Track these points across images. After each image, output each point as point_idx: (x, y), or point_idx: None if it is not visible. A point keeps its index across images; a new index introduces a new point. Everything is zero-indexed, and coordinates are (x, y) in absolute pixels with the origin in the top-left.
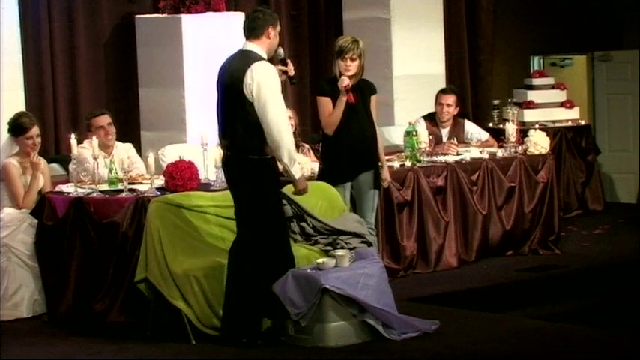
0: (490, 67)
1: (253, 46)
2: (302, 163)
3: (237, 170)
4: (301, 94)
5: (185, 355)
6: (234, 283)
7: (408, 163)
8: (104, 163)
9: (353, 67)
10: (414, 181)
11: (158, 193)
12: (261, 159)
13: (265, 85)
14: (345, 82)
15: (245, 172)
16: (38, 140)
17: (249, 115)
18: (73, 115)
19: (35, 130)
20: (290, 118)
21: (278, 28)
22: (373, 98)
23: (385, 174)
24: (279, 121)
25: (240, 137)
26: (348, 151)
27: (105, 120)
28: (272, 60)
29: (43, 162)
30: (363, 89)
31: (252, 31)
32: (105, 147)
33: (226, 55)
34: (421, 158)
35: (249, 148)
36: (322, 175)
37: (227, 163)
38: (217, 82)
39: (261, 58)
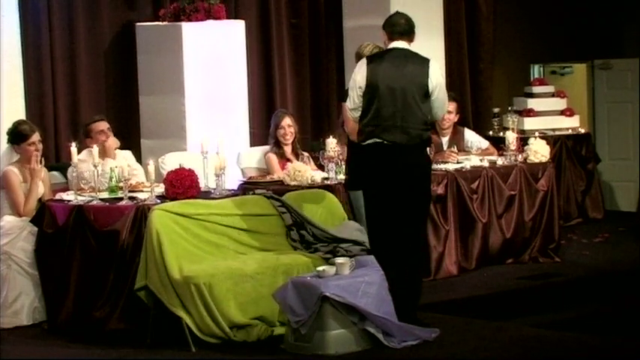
0: (490, 75)
1: (409, 46)
2: (301, 172)
3: (416, 156)
4: (302, 102)
5: None
6: (409, 267)
7: None
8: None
9: None
10: None
11: (158, 200)
12: (429, 142)
13: (442, 79)
14: None
15: (422, 161)
16: (40, 146)
17: (426, 107)
18: (73, 123)
19: (36, 136)
20: (289, 126)
21: None
22: None
23: None
24: (447, 105)
25: (419, 128)
26: None
27: (104, 125)
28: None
29: (43, 170)
30: None
31: (410, 33)
32: (107, 150)
33: (226, 62)
34: None
35: (427, 138)
36: (347, 181)
37: (401, 153)
38: (380, 79)
39: None
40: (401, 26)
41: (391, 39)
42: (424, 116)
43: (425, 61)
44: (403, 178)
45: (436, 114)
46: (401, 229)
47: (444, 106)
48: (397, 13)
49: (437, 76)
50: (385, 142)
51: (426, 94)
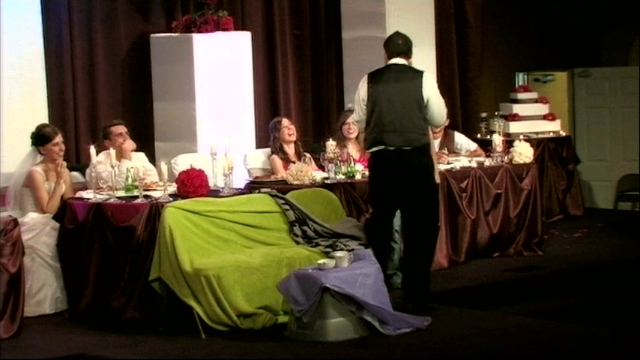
0: (478, 83)
1: (406, 62)
2: (303, 172)
3: (418, 160)
4: (304, 107)
5: (195, 349)
6: (418, 257)
7: None
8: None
9: None
10: None
11: (171, 198)
12: (428, 147)
13: (436, 88)
14: None
15: (424, 161)
16: (63, 146)
17: (422, 115)
18: (92, 126)
19: (59, 137)
20: (290, 124)
21: None
22: None
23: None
24: (444, 112)
25: (417, 132)
26: None
27: (123, 128)
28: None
29: (65, 171)
30: None
31: (407, 51)
32: (124, 152)
33: (234, 71)
34: None
35: (426, 142)
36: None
37: (401, 156)
38: (380, 91)
39: None
40: (399, 47)
41: (390, 57)
42: (421, 123)
43: (419, 73)
44: (406, 180)
45: (433, 118)
46: (409, 230)
47: (441, 111)
48: (396, 33)
49: (430, 86)
50: (389, 147)
51: (422, 103)
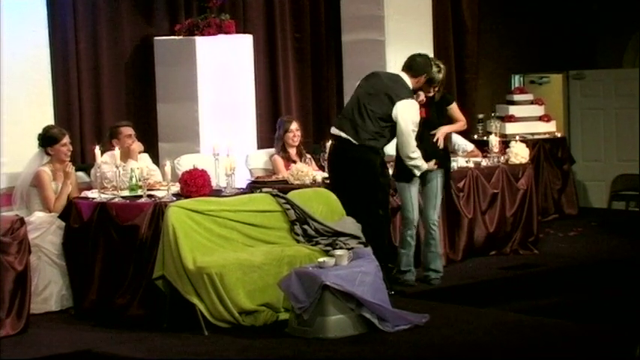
0: (475, 84)
1: (407, 78)
2: (304, 172)
3: (363, 155)
4: (304, 109)
5: (198, 346)
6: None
7: None
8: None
9: (432, 92)
10: None
11: (174, 198)
12: (378, 150)
13: (408, 119)
14: (420, 96)
15: (370, 158)
16: (70, 147)
17: (381, 126)
18: (97, 128)
19: (67, 138)
20: (297, 129)
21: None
22: (450, 108)
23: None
24: (407, 140)
25: (368, 132)
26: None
27: (131, 130)
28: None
29: (71, 170)
30: (441, 104)
31: (410, 68)
32: (131, 153)
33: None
34: None
35: (376, 147)
36: (396, 174)
37: (349, 148)
38: (367, 85)
39: (410, 94)
40: (406, 62)
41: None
42: (376, 129)
43: (401, 97)
44: (349, 173)
45: (399, 147)
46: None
47: (402, 139)
48: (420, 54)
49: (401, 112)
50: (342, 135)
51: (386, 117)
